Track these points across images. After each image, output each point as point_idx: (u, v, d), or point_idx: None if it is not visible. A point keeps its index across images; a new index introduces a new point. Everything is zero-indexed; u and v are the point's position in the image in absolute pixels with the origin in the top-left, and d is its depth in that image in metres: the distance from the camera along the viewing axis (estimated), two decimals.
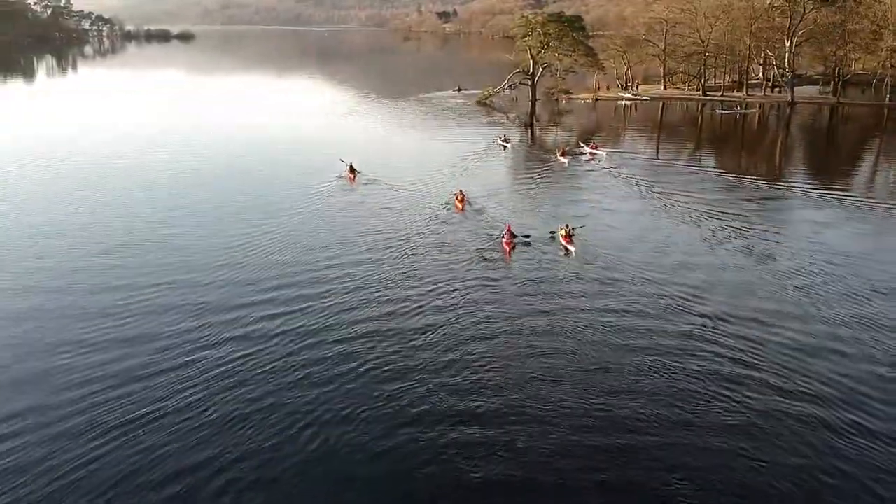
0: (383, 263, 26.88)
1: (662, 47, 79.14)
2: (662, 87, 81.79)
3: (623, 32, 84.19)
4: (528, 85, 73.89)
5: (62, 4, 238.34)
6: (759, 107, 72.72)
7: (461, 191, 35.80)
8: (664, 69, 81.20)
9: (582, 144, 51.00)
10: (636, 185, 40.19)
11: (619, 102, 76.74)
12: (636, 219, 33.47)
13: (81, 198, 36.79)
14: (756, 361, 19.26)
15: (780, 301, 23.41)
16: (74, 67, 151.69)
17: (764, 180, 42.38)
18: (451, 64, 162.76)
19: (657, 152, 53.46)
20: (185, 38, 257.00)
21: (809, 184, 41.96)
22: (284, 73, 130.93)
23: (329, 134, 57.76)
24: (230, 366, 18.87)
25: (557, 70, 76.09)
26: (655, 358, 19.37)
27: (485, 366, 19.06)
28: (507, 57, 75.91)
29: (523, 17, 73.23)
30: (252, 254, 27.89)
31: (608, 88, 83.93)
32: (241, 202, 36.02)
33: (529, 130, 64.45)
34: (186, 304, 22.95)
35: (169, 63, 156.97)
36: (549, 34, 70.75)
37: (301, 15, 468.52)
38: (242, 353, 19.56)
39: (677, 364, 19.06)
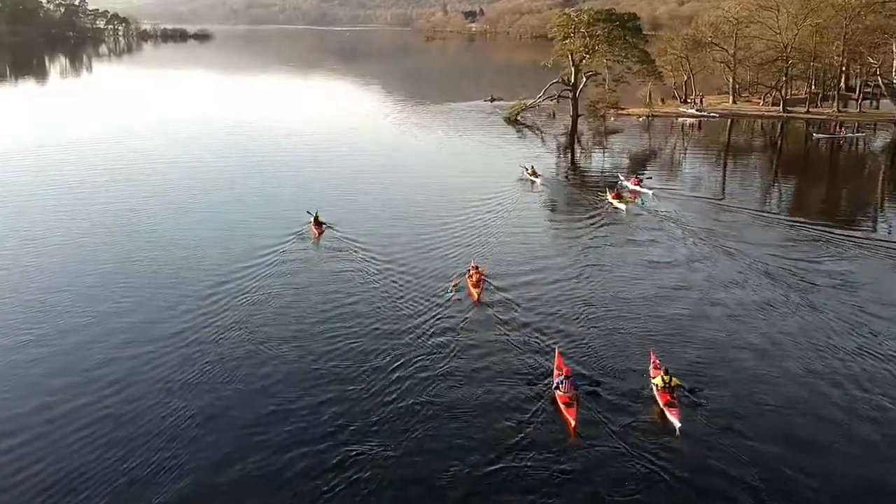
0: (329, 430, 14.97)
1: (732, 52, 65.22)
2: (731, 101, 67.85)
3: (683, 33, 70.13)
4: (568, 97, 60.56)
5: (76, 3, 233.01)
6: (858, 127, 58.13)
7: (476, 268, 23.58)
8: (733, 79, 67.20)
9: (621, 178, 38.79)
10: (698, 243, 28.53)
11: (679, 120, 63.07)
12: (726, 332, 20.50)
13: None
14: None
15: None
16: (82, 68, 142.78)
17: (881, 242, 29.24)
18: (478, 67, 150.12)
19: (722, 189, 40.34)
20: (202, 37, 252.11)
21: None
22: (291, 76, 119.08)
23: (318, 157, 45.49)
24: None
25: (605, 80, 62.65)
26: None
27: None
28: (545, 64, 62.55)
29: (564, 14, 59.60)
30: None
31: (663, 101, 70.24)
32: (152, 277, 24.19)
33: (569, 156, 51.37)
34: None
35: (176, 64, 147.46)
36: (596, 36, 57.40)
37: (326, 14, 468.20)
38: None
39: None
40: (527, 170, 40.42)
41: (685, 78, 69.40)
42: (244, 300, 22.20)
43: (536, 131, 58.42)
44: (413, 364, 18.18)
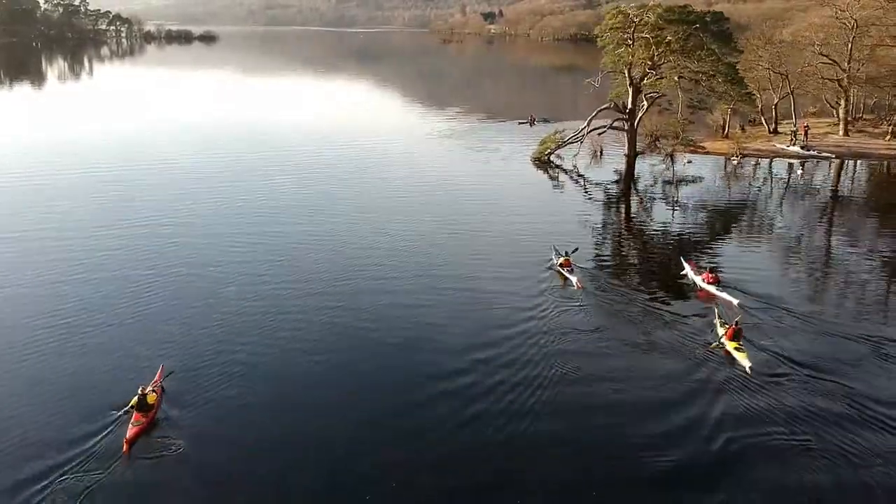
0: None
1: (845, 67, 47.19)
2: (841, 132, 49.68)
3: (777, 40, 51.82)
4: (622, 129, 43.01)
5: (76, 3, 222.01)
6: None
7: None
8: (846, 103, 49.00)
9: (687, 267, 24.99)
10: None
11: (785, 161, 44.67)
12: None
13: None
14: None
15: None
16: (75, 71, 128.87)
17: None
18: (503, 74, 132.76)
19: (821, 291, 24.62)
20: (208, 39, 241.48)
21: None
22: (283, 84, 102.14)
23: (249, 232, 28.36)
24: None
25: (678, 104, 44.93)
26: None
27: None
28: (590, 82, 44.62)
29: (619, 12, 41.72)
30: None
31: (743, 130, 52.42)
32: None
33: (622, 220, 34.10)
34: None
35: (169, 68, 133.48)
36: (667, 43, 39.83)
37: (344, 16, 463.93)
38: None
39: None
40: (555, 255, 25.14)
41: (775, 100, 51.34)
42: None
43: (576, 178, 41.06)
44: None
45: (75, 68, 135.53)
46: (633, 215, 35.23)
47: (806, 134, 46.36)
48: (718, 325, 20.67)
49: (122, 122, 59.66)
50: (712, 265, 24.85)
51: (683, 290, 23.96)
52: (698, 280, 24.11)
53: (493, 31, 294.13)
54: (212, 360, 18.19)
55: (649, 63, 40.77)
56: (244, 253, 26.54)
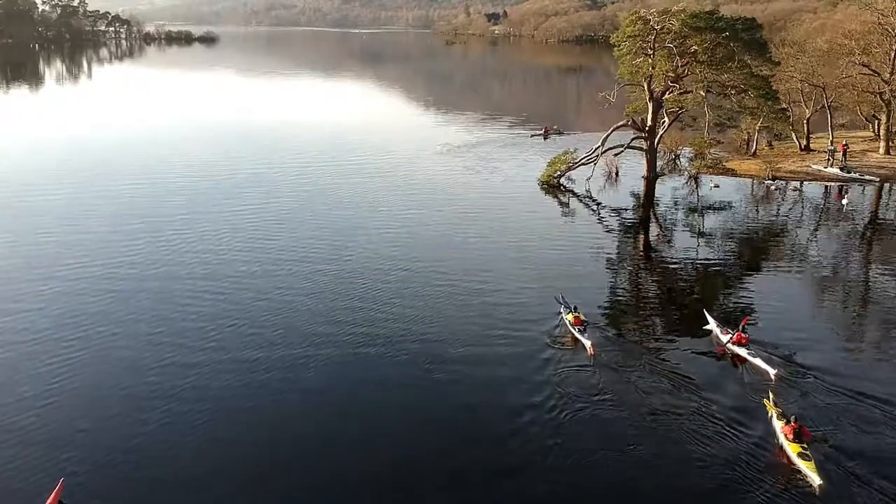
0: None
1: (888, 78, 42.52)
2: (882, 150, 44.97)
3: (813, 48, 46.96)
4: (641, 149, 38.49)
5: (74, 4, 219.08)
6: None
7: None
8: (888, 119, 44.26)
9: (712, 323, 20.86)
10: None
11: (824, 184, 39.93)
12: None
13: None
14: None
15: None
16: (72, 73, 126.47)
17: None
18: (510, 76, 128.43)
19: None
20: (208, 40, 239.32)
21: None
22: (280, 88, 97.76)
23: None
24: None
25: (706, 121, 40.35)
26: None
27: None
28: (604, 95, 39.90)
29: (637, 17, 36.98)
30: None
31: (770, 146, 47.81)
32: None
33: (642, 251, 29.85)
34: None
35: (164, 68, 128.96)
36: (694, 53, 35.35)
37: (347, 16, 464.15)
38: None
39: None
40: (568, 309, 20.91)
41: (808, 114, 46.67)
42: None
43: (589, 204, 36.59)
44: None
45: (72, 71, 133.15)
46: (652, 249, 30.83)
47: (845, 153, 41.67)
48: (775, 417, 16.30)
49: (114, 125, 56.50)
50: (745, 319, 20.43)
51: (720, 357, 19.63)
52: (725, 340, 19.78)
53: (497, 31, 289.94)
54: (137, 474, 13.93)
55: (672, 75, 36.26)
56: (205, 305, 22.19)
